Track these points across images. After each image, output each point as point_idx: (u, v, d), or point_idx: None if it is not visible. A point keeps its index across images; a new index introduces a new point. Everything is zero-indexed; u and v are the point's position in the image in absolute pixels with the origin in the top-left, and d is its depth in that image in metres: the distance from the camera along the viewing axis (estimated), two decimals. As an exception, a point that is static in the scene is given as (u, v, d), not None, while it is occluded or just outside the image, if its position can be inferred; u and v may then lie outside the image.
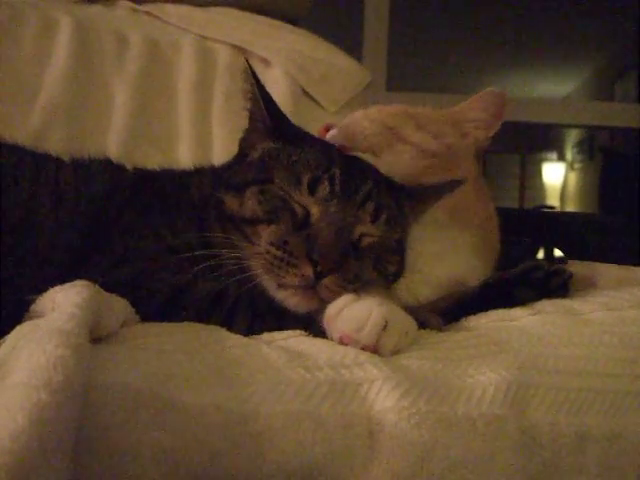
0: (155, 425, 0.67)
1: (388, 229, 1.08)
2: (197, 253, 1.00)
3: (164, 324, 0.90)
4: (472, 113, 1.31)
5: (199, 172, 1.26)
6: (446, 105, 1.34)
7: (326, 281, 0.96)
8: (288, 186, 1.04)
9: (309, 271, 0.96)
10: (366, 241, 1.06)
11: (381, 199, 1.08)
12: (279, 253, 0.98)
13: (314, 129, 1.27)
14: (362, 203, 1.05)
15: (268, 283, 1.00)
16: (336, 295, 0.93)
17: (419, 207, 1.19)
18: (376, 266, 1.07)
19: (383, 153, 1.25)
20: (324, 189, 1.04)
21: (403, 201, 1.15)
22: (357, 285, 0.98)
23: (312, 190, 1.04)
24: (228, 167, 1.20)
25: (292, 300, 0.98)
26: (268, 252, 0.99)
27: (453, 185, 1.17)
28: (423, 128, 1.28)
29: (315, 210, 1.03)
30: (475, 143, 1.32)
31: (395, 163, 1.23)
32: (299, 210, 1.03)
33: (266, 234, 1.02)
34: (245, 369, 0.76)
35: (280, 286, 0.99)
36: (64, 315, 0.73)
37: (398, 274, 1.13)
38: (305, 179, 1.05)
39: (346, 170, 1.08)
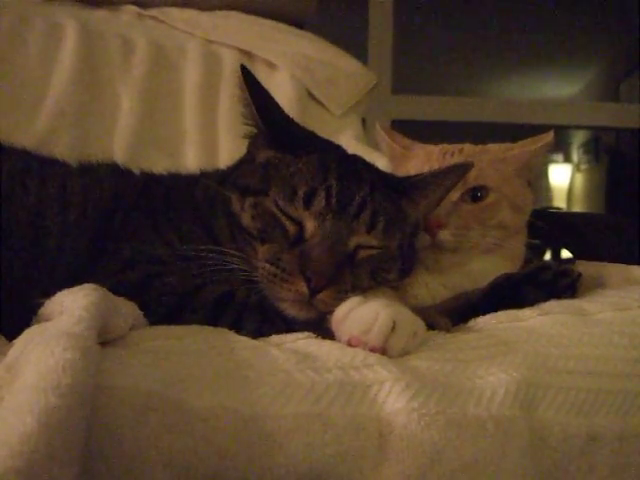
0: (164, 428, 0.67)
1: (385, 237, 1.06)
2: (209, 263, 0.99)
3: (172, 327, 0.89)
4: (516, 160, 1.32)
5: (205, 175, 1.25)
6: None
7: (321, 296, 0.96)
8: (283, 199, 1.03)
9: (303, 287, 0.96)
10: (362, 253, 1.04)
11: (377, 205, 1.05)
12: (273, 269, 0.98)
13: (320, 132, 1.26)
14: (357, 213, 1.03)
15: (269, 293, 1.00)
16: (333, 307, 0.93)
17: (423, 199, 1.15)
18: (374, 276, 1.06)
19: None
20: (319, 202, 1.02)
21: (402, 200, 1.12)
22: (355, 294, 0.97)
23: (307, 203, 1.02)
24: (236, 166, 1.19)
25: (291, 310, 0.99)
26: (264, 268, 1.00)
27: (459, 170, 1.16)
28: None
29: (310, 225, 1.02)
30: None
31: None
32: (290, 227, 1.02)
33: (261, 252, 1.02)
34: (254, 371, 0.76)
35: (278, 298, 0.99)
36: (72, 318, 0.72)
37: (401, 277, 1.12)
38: (301, 192, 1.03)
39: (342, 177, 1.06)
